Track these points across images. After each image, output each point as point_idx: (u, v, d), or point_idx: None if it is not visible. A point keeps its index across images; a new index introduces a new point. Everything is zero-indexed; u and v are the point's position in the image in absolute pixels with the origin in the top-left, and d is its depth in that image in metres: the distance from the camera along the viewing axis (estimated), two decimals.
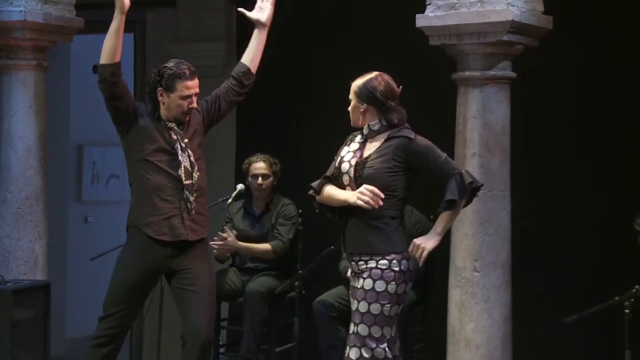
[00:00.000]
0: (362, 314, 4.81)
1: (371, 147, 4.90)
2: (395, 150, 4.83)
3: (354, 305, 4.87)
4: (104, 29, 5.21)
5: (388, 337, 4.81)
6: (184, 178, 5.27)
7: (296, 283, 6.49)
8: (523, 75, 5.90)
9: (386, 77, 4.94)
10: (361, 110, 4.93)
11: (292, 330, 6.62)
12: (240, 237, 6.84)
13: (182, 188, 5.27)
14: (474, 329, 5.72)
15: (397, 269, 4.80)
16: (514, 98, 5.84)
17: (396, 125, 4.89)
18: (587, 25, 6.74)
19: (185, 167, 5.28)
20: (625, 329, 5.42)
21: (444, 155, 4.87)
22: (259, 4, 5.51)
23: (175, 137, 5.30)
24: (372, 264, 4.81)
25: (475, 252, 5.74)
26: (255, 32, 5.52)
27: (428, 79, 6.60)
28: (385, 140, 4.88)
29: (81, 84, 9.13)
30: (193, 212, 5.29)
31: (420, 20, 5.79)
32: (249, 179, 6.92)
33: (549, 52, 6.27)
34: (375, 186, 4.77)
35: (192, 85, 5.29)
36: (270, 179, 6.90)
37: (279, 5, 5.56)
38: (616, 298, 5.46)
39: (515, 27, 5.63)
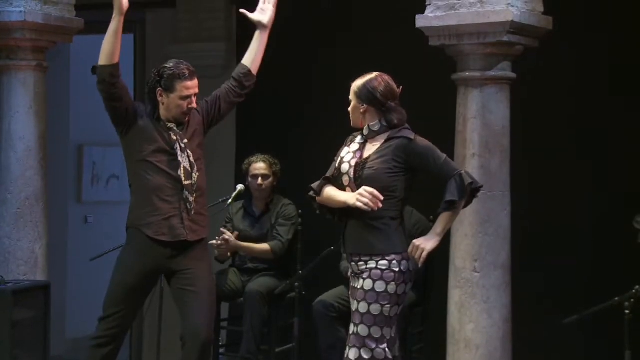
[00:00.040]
0: (362, 314, 4.81)
1: (371, 148, 4.90)
2: (395, 151, 4.83)
3: (353, 306, 4.87)
4: (104, 30, 5.20)
5: (388, 338, 4.81)
6: (183, 178, 5.27)
7: (296, 283, 6.50)
8: (523, 75, 5.90)
9: (386, 77, 4.94)
10: (361, 110, 4.93)
11: (292, 330, 6.62)
12: (240, 237, 6.84)
13: (182, 188, 5.27)
14: (473, 330, 5.72)
15: (397, 269, 4.80)
16: (513, 98, 5.84)
17: (396, 126, 4.89)
18: (587, 25, 6.74)
19: (184, 167, 5.28)
20: (625, 330, 5.42)
21: (444, 156, 4.87)
22: (260, 5, 5.51)
23: (174, 138, 5.30)
24: (372, 264, 4.81)
25: (475, 252, 5.74)
26: (257, 34, 5.52)
27: (428, 80, 6.60)
28: (386, 141, 4.88)
29: (81, 85, 9.12)
30: (193, 212, 5.29)
31: (420, 21, 5.79)
32: (249, 179, 6.92)
33: (549, 53, 6.27)
34: (375, 187, 4.77)
35: (192, 86, 5.29)
36: (270, 180, 6.90)
37: (279, 5, 5.56)
38: (616, 298, 5.47)
39: (515, 28, 5.63)
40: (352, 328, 4.85)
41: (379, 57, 6.49)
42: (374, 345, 4.78)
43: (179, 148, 5.29)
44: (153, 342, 7.49)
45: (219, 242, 6.71)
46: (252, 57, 5.52)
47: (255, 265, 6.89)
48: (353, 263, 4.90)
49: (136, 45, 8.71)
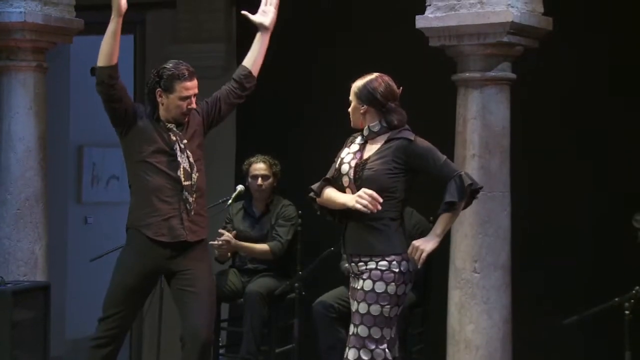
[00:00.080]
0: (362, 315, 4.80)
1: (371, 149, 4.90)
2: (395, 152, 4.83)
3: (353, 307, 4.87)
4: (104, 30, 5.20)
5: (388, 339, 4.81)
6: (183, 179, 5.27)
7: (296, 284, 6.49)
8: (523, 76, 5.90)
9: (386, 78, 4.94)
10: (361, 111, 4.93)
11: (292, 331, 6.62)
12: (240, 238, 6.84)
13: (181, 189, 5.27)
14: (473, 330, 5.72)
15: (397, 270, 4.79)
16: (513, 99, 5.84)
17: (396, 127, 4.89)
18: (587, 26, 6.74)
19: (184, 168, 5.28)
20: (625, 330, 5.42)
21: (444, 157, 4.87)
22: (262, 7, 5.50)
23: (174, 138, 5.30)
24: (371, 265, 4.80)
25: (475, 253, 5.74)
26: (258, 36, 5.51)
27: (428, 80, 6.60)
28: (386, 142, 4.87)
29: (81, 85, 9.11)
30: (192, 213, 5.29)
31: (420, 22, 5.78)
32: (249, 179, 6.92)
33: (549, 53, 6.27)
34: (375, 188, 4.77)
35: (191, 86, 5.29)
36: (270, 180, 6.90)
37: (279, 6, 5.56)
38: (616, 299, 5.47)
39: (515, 29, 5.63)
40: (351, 329, 4.85)
41: (379, 57, 6.50)
42: (373, 346, 4.78)
43: (178, 149, 5.28)
44: (153, 342, 7.49)
45: (220, 243, 6.71)
46: (253, 59, 5.52)
47: (255, 266, 6.89)
48: (353, 264, 4.90)
49: (136, 46, 8.71)
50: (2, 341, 6.07)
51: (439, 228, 4.84)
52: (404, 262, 4.81)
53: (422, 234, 5.40)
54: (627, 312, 5.41)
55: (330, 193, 4.93)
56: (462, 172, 4.85)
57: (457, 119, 5.83)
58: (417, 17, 5.79)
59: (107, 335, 5.30)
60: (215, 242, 6.65)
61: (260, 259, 6.86)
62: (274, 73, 5.98)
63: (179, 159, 5.27)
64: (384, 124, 4.90)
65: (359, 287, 4.84)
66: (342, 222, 4.93)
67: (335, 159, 5.00)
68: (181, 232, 5.27)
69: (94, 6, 6.72)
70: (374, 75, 4.94)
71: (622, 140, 6.68)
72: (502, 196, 5.78)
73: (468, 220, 5.69)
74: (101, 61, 5.18)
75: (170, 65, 5.31)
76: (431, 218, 5.76)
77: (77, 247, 9.53)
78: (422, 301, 6.54)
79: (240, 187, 6.75)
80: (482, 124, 5.74)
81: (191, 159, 5.30)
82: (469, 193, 4.82)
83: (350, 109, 4.98)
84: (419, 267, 4.87)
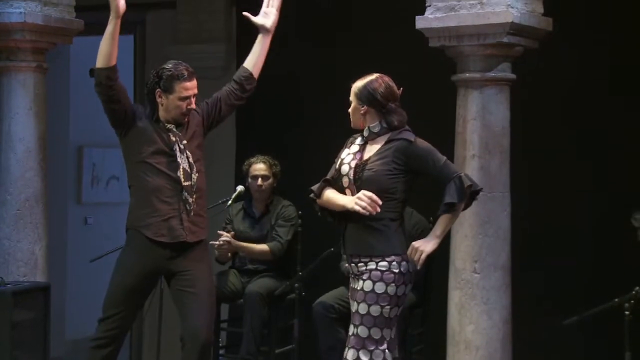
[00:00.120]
0: (362, 315, 4.80)
1: (371, 150, 4.90)
2: (395, 153, 4.83)
3: (353, 307, 4.87)
4: (104, 31, 5.20)
5: (388, 339, 4.80)
6: (182, 179, 5.27)
7: (296, 284, 6.49)
8: (523, 77, 5.89)
9: (387, 79, 4.94)
10: (361, 112, 4.93)
11: (292, 331, 6.62)
12: (240, 238, 6.84)
13: (181, 189, 5.26)
14: (473, 331, 5.72)
15: (396, 270, 4.79)
16: (513, 99, 5.83)
17: (396, 128, 4.88)
18: (587, 26, 6.73)
19: (183, 168, 5.27)
20: (625, 331, 5.41)
21: (444, 158, 4.86)
22: (264, 9, 5.50)
23: (173, 139, 5.29)
24: (371, 265, 4.80)
25: (475, 253, 5.73)
26: (259, 37, 5.51)
27: (428, 81, 6.60)
28: (386, 143, 4.87)
29: (81, 86, 9.10)
30: (192, 213, 5.29)
31: (420, 22, 5.78)
32: (249, 180, 6.92)
33: (549, 54, 6.27)
34: (375, 188, 4.77)
35: (191, 87, 5.29)
36: (270, 181, 6.90)
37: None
38: (616, 300, 5.46)
39: (515, 29, 5.63)
40: (351, 329, 4.85)
41: (379, 57, 6.50)
42: (373, 347, 4.78)
43: (178, 149, 5.28)
44: (153, 343, 7.49)
45: (220, 243, 6.71)
46: (254, 61, 5.52)
47: (255, 266, 6.89)
48: (353, 264, 4.90)
49: (136, 46, 8.71)
50: (2, 342, 6.08)
51: (438, 229, 4.84)
52: (404, 263, 4.81)
53: (422, 234, 5.41)
54: (627, 312, 5.41)
55: (330, 194, 4.92)
56: (462, 174, 4.85)
57: (457, 120, 5.83)
58: (417, 17, 5.79)
59: (107, 336, 5.30)
60: (216, 243, 6.65)
61: (260, 259, 6.86)
62: (274, 73, 5.98)
63: (178, 159, 5.27)
64: (384, 125, 4.89)
65: (358, 288, 4.83)
66: (342, 223, 4.93)
67: (335, 160, 5.00)
68: (181, 232, 5.27)
69: (94, 7, 6.71)
70: (374, 75, 4.94)
71: (622, 140, 6.68)
72: (502, 196, 5.77)
73: (468, 221, 5.69)
74: (100, 62, 5.17)
75: (170, 65, 5.31)
76: (431, 219, 5.76)
77: (77, 247, 9.54)
78: (422, 302, 6.53)
79: (240, 188, 6.75)
80: (482, 124, 5.74)
81: (191, 160, 5.30)
82: (469, 194, 4.82)
83: (350, 110, 4.98)
84: (418, 268, 4.87)
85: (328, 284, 6.54)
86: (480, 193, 4.96)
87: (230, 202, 6.71)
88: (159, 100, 5.30)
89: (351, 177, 4.87)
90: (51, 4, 6.65)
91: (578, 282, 6.66)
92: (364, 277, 4.81)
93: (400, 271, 4.79)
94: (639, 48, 6.59)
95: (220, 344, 7.12)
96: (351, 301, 4.91)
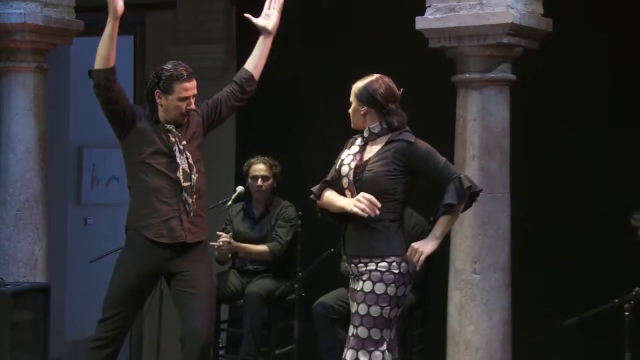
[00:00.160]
0: (362, 316, 4.80)
1: (371, 150, 4.90)
2: (395, 154, 4.83)
3: (353, 308, 4.87)
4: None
5: (387, 340, 4.80)
6: (182, 180, 5.27)
7: (296, 285, 6.49)
8: (523, 77, 5.89)
9: (387, 79, 4.94)
10: (362, 112, 4.93)
11: (292, 332, 6.62)
12: (240, 239, 6.84)
13: (181, 190, 5.26)
14: (473, 332, 5.72)
15: (396, 271, 4.79)
16: (513, 100, 5.83)
17: (396, 128, 4.88)
18: (587, 27, 6.73)
19: (183, 169, 5.27)
20: (625, 332, 5.41)
21: (444, 159, 4.86)
22: (265, 11, 5.50)
23: (173, 140, 5.29)
24: (371, 266, 4.80)
25: (475, 254, 5.73)
26: (261, 39, 5.51)
27: (428, 81, 6.60)
28: (386, 144, 4.87)
29: (81, 86, 9.08)
30: (192, 214, 5.29)
31: (420, 23, 5.78)
32: (249, 180, 6.92)
33: (549, 55, 6.27)
34: (375, 189, 4.77)
35: (190, 87, 5.29)
36: (270, 181, 6.90)
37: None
38: (616, 300, 5.46)
39: (515, 30, 5.63)
40: (351, 330, 4.85)
41: (379, 57, 6.50)
42: (372, 348, 4.78)
43: (177, 150, 5.28)
44: (153, 343, 7.49)
45: (220, 244, 6.71)
46: (255, 62, 5.52)
47: (255, 267, 6.89)
48: (353, 265, 4.90)
49: (136, 47, 8.71)
50: (2, 342, 6.07)
51: (438, 230, 4.84)
52: (403, 264, 4.81)
53: (422, 234, 5.40)
54: (627, 313, 5.40)
55: (330, 196, 4.92)
56: (462, 175, 4.85)
57: (457, 120, 5.83)
58: (417, 18, 5.79)
59: (107, 337, 5.30)
60: (216, 243, 6.65)
61: (260, 260, 6.86)
62: (274, 73, 5.98)
63: (178, 160, 5.27)
64: (384, 126, 4.89)
65: (358, 289, 4.83)
66: (342, 224, 4.93)
67: (336, 161, 5.00)
68: (180, 233, 5.27)
69: (94, 7, 6.70)
70: (375, 76, 4.94)
71: (622, 141, 6.67)
72: (502, 197, 5.77)
73: (468, 222, 5.69)
74: (98, 64, 5.17)
75: (169, 66, 5.31)
76: (431, 219, 5.76)
77: (76, 248, 9.53)
78: (422, 302, 6.53)
79: (240, 188, 6.75)
80: (482, 125, 5.73)
81: (190, 160, 5.30)
82: (469, 196, 4.82)
83: (350, 110, 4.98)
84: (417, 269, 4.87)
85: (328, 285, 6.54)
86: (480, 194, 4.96)
87: (230, 202, 6.70)
88: (158, 100, 5.30)
89: (351, 178, 4.87)
90: (51, 4, 6.65)
91: (578, 282, 6.66)
92: (364, 277, 4.81)
93: (400, 272, 4.79)
94: (639, 49, 6.59)
95: (220, 345, 7.12)
96: (351, 302, 4.91)
